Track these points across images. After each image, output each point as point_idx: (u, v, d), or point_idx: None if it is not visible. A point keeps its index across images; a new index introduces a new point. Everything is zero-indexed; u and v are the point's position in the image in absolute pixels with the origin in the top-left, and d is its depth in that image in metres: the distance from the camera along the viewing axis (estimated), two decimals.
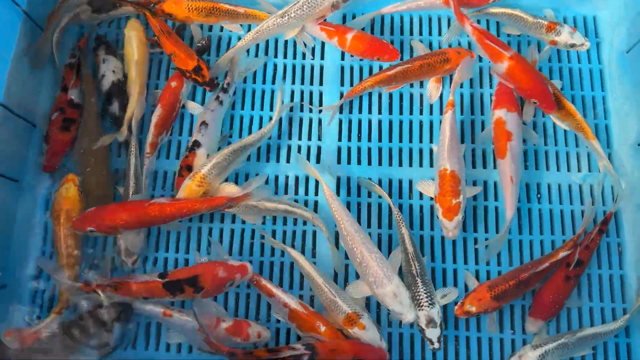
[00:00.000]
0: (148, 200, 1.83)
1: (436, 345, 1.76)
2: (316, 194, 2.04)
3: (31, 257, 1.97)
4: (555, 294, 1.83)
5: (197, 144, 1.96)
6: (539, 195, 2.02)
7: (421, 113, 2.12)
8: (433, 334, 1.76)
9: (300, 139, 2.10)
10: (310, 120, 2.12)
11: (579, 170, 2.05)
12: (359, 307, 1.79)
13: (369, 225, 1.99)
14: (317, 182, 2.04)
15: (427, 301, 1.77)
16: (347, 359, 1.69)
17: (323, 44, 2.20)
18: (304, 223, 1.99)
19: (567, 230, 1.98)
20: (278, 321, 1.89)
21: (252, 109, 2.13)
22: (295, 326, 1.80)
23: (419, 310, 1.77)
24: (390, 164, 2.06)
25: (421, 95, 2.14)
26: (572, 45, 2.05)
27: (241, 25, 2.16)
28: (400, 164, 2.06)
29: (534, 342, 1.81)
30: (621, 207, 2.00)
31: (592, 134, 1.99)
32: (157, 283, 1.72)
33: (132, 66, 2.05)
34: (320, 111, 2.11)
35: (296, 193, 2.04)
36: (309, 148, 2.09)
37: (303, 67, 2.18)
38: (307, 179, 2.05)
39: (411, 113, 2.12)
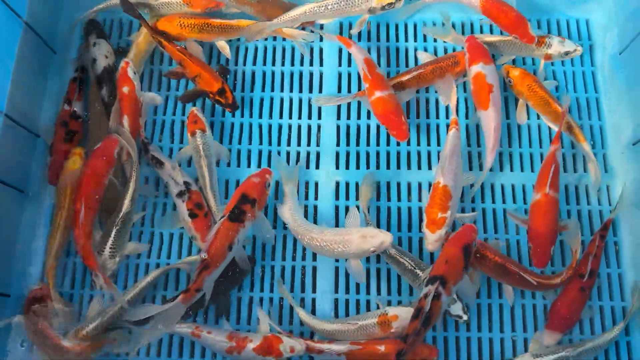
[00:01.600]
0: None
1: (465, 317, 1.80)
2: (316, 198, 2.07)
3: (35, 266, 1.98)
4: (571, 305, 1.83)
5: (187, 184, 1.97)
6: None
7: (417, 117, 2.15)
8: (457, 308, 1.81)
9: (299, 144, 2.13)
10: (309, 127, 2.15)
11: (575, 171, 2.07)
12: (377, 310, 1.84)
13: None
14: (316, 187, 2.07)
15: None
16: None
17: (321, 50, 2.24)
18: (303, 258, 2.00)
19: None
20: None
21: (251, 117, 2.16)
22: None
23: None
24: (388, 168, 2.09)
25: (418, 100, 2.17)
26: (567, 53, 2.09)
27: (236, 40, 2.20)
28: (398, 167, 2.09)
29: (534, 351, 1.82)
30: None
31: (582, 136, 2.02)
32: (224, 222, 1.73)
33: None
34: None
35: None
36: (308, 153, 2.12)
37: (301, 74, 2.21)
38: (306, 184, 2.08)
39: (408, 117, 2.14)
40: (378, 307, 1.88)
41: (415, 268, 1.86)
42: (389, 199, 2.05)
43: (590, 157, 2.01)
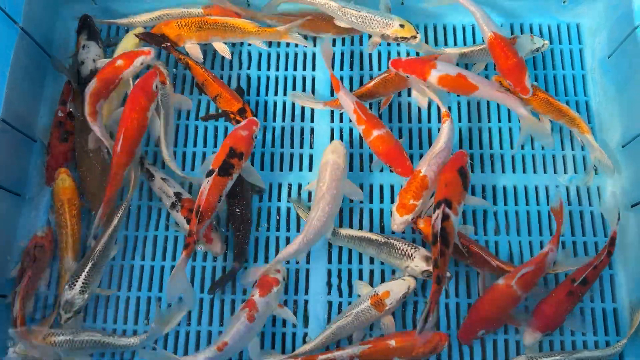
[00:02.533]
0: None
1: (448, 274, 1.80)
2: (309, 200, 2.08)
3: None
4: (556, 307, 1.82)
5: (178, 195, 1.99)
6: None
7: (410, 121, 2.17)
8: (422, 266, 1.84)
9: (292, 147, 2.15)
10: (302, 129, 2.17)
11: (565, 172, 2.09)
12: (365, 292, 1.87)
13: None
14: (309, 191, 2.09)
15: (411, 248, 1.86)
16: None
17: (314, 55, 2.26)
18: (296, 262, 2.01)
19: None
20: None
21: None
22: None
23: (412, 260, 1.84)
24: (382, 170, 2.11)
25: (409, 104, 2.19)
26: (537, 50, 2.13)
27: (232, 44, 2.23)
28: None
29: (529, 354, 1.83)
30: (610, 209, 2.03)
31: (586, 127, 2.04)
32: (215, 178, 1.83)
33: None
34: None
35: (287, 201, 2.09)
36: (301, 156, 2.14)
37: (295, 78, 2.24)
38: (299, 186, 2.10)
39: (400, 121, 2.17)
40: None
41: (388, 239, 1.89)
42: (381, 201, 2.07)
43: (595, 147, 2.02)
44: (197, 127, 2.18)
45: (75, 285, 1.82)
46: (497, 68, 2.02)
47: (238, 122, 2.05)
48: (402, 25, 2.02)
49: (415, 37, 2.02)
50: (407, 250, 1.86)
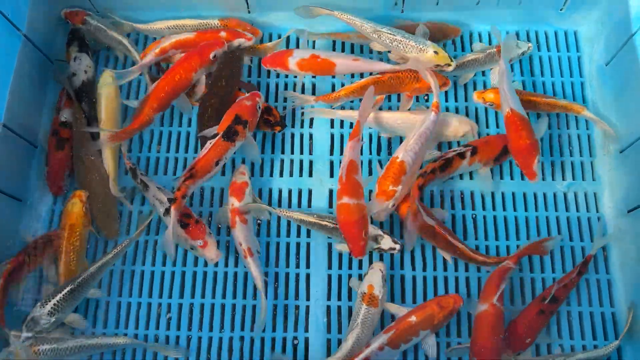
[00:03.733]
0: None
1: (397, 246, 1.87)
2: (309, 205, 2.10)
3: (35, 273, 1.98)
4: (527, 326, 1.82)
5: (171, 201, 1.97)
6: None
7: None
8: (388, 242, 1.88)
9: (292, 152, 2.16)
10: (302, 135, 2.19)
11: (563, 179, 2.11)
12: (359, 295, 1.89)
13: None
14: (309, 195, 2.10)
15: None
16: (499, 148, 1.98)
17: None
18: (297, 265, 2.02)
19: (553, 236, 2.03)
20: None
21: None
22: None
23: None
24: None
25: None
26: (523, 53, 2.18)
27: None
28: None
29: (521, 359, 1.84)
30: (605, 213, 2.06)
31: (579, 106, 2.09)
32: (217, 141, 1.89)
33: (100, 125, 2.07)
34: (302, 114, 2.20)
35: (289, 207, 2.10)
36: (301, 162, 2.15)
37: (294, 85, 2.25)
38: (299, 191, 2.11)
39: None
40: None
41: (337, 224, 1.89)
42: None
43: (595, 119, 2.07)
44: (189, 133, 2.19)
45: (46, 305, 1.79)
46: (509, 145, 1.96)
47: (267, 121, 2.09)
48: (436, 52, 2.02)
49: (449, 64, 2.03)
50: None
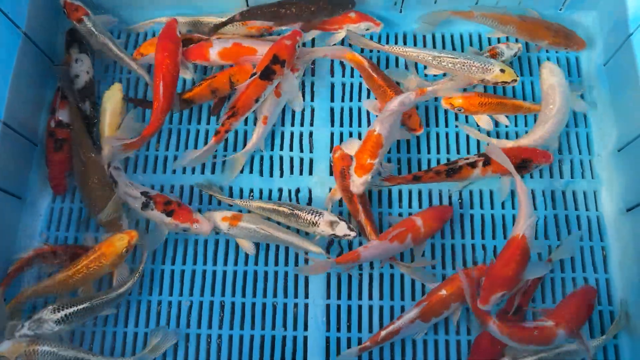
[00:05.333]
0: None
1: (353, 233, 1.88)
2: (309, 204, 2.09)
3: (31, 273, 1.97)
4: (493, 339, 1.81)
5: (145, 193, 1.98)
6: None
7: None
8: (343, 228, 1.89)
9: (291, 150, 2.16)
10: (301, 134, 2.19)
11: (561, 177, 2.11)
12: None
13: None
14: (310, 193, 2.10)
15: (315, 214, 1.91)
16: (516, 161, 1.94)
17: (314, 60, 2.28)
18: (296, 264, 2.02)
19: (551, 235, 2.04)
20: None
21: (245, 124, 2.19)
22: None
23: (317, 226, 1.90)
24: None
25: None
26: (515, 54, 2.18)
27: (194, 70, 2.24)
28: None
29: (512, 356, 1.83)
30: (604, 212, 2.07)
31: (534, 105, 2.09)
32: (255, 79, 1.98)
33: (103, 139, 2.06)
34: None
35: None
36: (301, 160, 2.15)
37: None
38: (297, 190, 2.11)
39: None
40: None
41: (293, 210, 1.93)
42: (379, 206, 2.09)
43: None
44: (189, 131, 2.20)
45: (58, 312, 1.78)
46: (491, 265, 1.85)
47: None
48: (502, 70, 2.03)
49: (515, 80, 2.05)
50: (311, 218, 1.91)
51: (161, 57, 2.02)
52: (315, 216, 1.92)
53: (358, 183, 1.90)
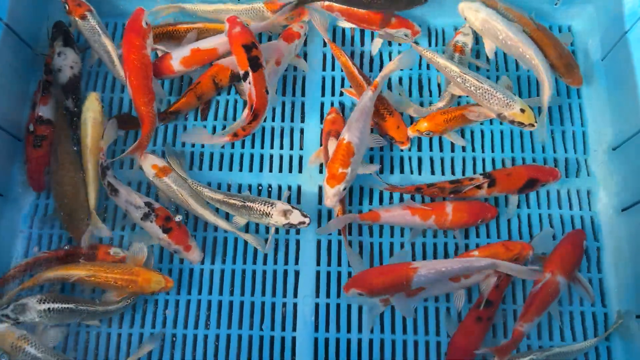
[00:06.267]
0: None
1: (307, 220, 1.85)
2: (298, 201, 2.06)
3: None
4: (468, 336, 1.81)
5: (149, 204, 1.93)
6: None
7: None
8: (296, 216, 1.85)
9: (282, 148, 2.13)
10: (292, 130, 2.15)
11: None
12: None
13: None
14: (299, 190, 2.07)
15: (267, 205, 1.87)
16: (522, 182, 1.94)
17: (305, 54, 2.24)
18: (285, 262, 2.00)
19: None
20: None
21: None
22: None
23: (270, 217, 1.86)
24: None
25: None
26: (472, 39, 2.16)
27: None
28: (382, 172, 2.09)
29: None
30: (598, 211, 2.04)
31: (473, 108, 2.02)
32: (253, 75, 1.92)
33: (85, 151, 1.99)
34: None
35: None
36: (290, 157, 2.12)
37: (285, 78, 2.22)
38: (289, 187, 2.07)
39: None
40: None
41: (245, 202, 1.89)
42: (370, 202, 2.06)
43: (491, 111, 1.98)
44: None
45: (42, 304, 1.78)
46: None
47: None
48: (522, 110, 1.93)
49: (533, 125, 1.95)
50: (264, 209, 1.87)
51: (127, 53, 1.96)
52: (267, 207, 1.87)
53: (331, 194, 1.86)
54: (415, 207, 1.90)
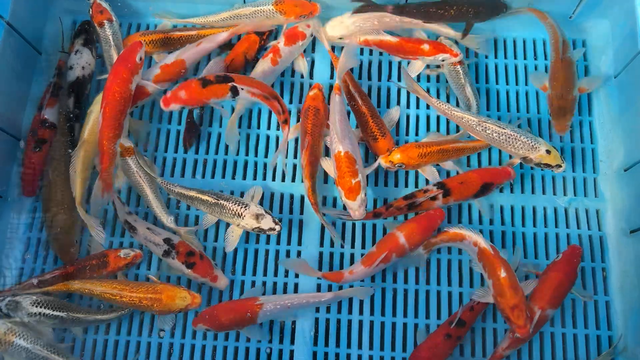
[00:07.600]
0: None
1: (278, 227, 1.83)
2: (301, 212, 2.03)
3: (13, 272, 1.95)
4: (432, 349, 1.79)
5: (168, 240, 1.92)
6: None
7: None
8: (267, 222, 1.83)
9: (285, 156, 2.09)
10: (296, 140, 2.11)
11: (564, 194, 2.05)
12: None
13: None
14: (302, 201, 2.04)
15: (240, 205, 1.84)
16: (477, 187, 1.90)
17: (313, 62, 2.21)
18: (286, 275, 1.97)
19: (551, 252, 1.98)
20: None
21: (240, 127, 2.13)
22: (482, 265, 1.83)
23: (242, 218, 1.83)
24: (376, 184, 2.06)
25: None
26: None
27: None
28: (376, 184, 2.06)
29: None
30: (606, 232, 2.01)
31: (477, 143, 1.98)
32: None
33: (80, 146, 1.93)
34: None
35: (280, 211, 2.03)
36: (294, 166, 2.09)
37: (282, 83, 2.19)
38: (291, 197, 2.05)
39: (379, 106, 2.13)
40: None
41: (218, 200, 1.86)
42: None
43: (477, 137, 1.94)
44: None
45: (35, 307, 1.77)
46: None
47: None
48: (548, 152, 1.87)
49: (560, 166, 1.89)
50: (236, 209, 1.84)
51: (111, 83, 1.87)
52: (240, 207, 1.84)
53: (355, 206, 1.82)
54: (372, 258, 1.82)
